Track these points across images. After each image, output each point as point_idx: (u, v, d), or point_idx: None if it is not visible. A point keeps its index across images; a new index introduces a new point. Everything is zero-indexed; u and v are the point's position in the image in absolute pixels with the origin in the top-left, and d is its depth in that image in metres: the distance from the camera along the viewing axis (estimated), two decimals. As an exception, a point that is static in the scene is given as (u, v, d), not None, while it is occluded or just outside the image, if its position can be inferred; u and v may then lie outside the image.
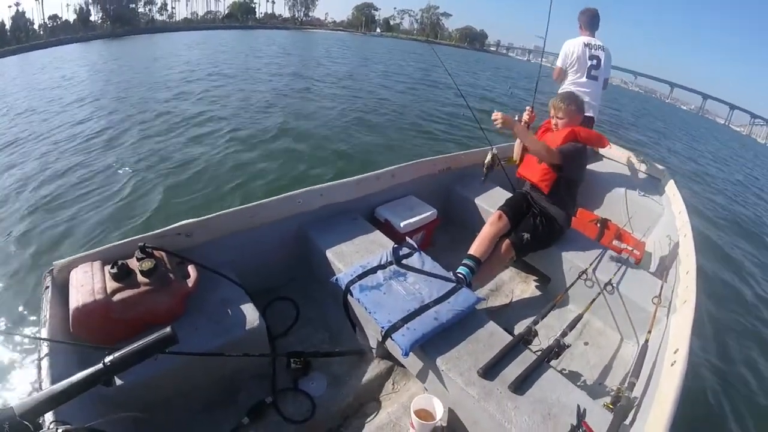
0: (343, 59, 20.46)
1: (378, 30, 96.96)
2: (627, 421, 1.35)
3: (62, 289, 1.43)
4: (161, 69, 13.75)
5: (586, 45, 3.42)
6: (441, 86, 14.26)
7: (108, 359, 0.74)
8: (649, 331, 1.81)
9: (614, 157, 3.79)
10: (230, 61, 16.13)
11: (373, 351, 1.84)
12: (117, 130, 6.52)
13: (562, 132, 2.33)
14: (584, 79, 3.48)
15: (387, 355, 1.81)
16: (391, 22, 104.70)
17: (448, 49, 65.17)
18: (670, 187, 3.27)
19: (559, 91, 3.62)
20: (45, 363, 1.18)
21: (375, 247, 2.06)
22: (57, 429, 0.68)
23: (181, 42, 24.84)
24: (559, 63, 3.56)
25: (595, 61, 3.46)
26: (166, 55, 18.71)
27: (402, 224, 2.32)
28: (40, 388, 1.09)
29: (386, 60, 22.99)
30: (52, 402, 0.69)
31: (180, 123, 6.94)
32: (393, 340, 1.52)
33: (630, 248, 2.61)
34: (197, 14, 71.59)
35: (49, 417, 0.85)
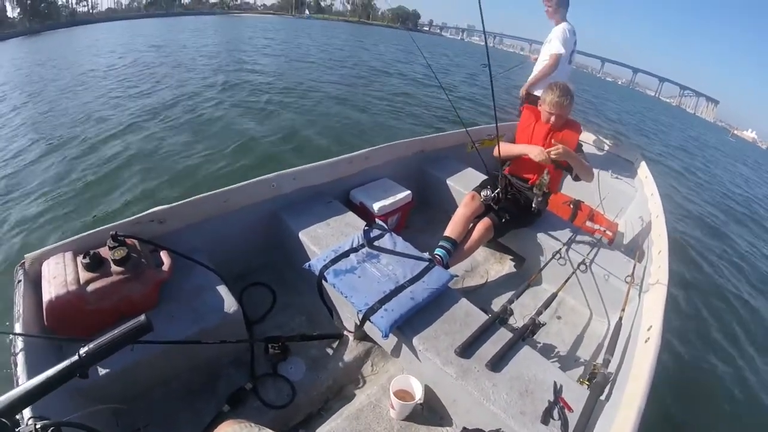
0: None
1: (307, 12, 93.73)
2: (603, 397, 1.39)
3: (35, 282, 1.38)
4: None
5: (573, 32, 3.46)
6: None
7: (83, 351, 0.72)
8: (623, 309, 1.86)
9: (586, 140, 3.86)
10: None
11: (351, 334, 1.84)
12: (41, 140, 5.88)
13: (571, 137, 2.27)
14: (565, 65, 3.53)
15: (365, 338, 1.82)
16: (322, 3, 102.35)
17: (381, 29, 64.12)
18: (642, 170, 3.35)
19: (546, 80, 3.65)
20: (20, 359, 1.14)
21: (350, 230, 2.05)
22: (35, 425, 0.66)
23: (96, 36, 21.97)
24: (561, 51, 3.42)
25: (575, 47, 3.52)
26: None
27: (377, 207, 2.32)
28: (17, 385, 1.06)
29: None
30: (29, 398, 0.68)
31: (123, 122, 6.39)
32: (372, 322, 1.52)
33: (603, 229, 2.68)
34: (122, 3, 66.55)
35: (27, 413, 0.82)
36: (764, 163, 24.70)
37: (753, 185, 13.09)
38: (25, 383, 0.68)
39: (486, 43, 1.91)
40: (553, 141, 2.16)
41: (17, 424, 0.66)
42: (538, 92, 3.47)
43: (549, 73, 3.44)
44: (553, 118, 2.23)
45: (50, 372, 0.70)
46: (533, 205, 2.24)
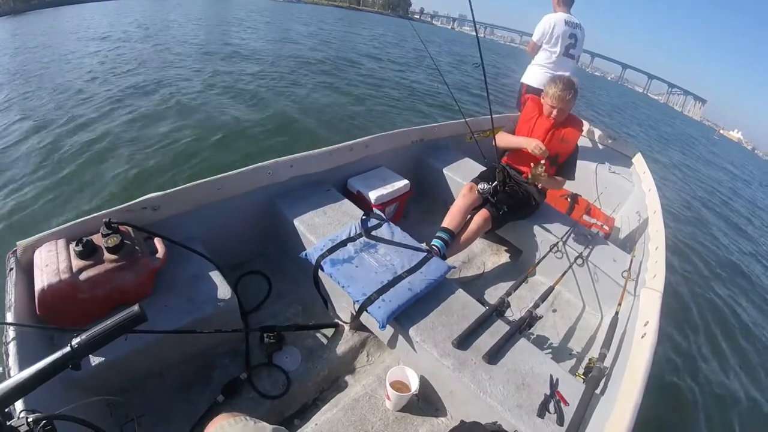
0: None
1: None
2: (598, 391, 1.39)
3: (27, 270, 1.35)
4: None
5: (567, 22, 3.42)
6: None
7: (75, 342, 0.70)
8: (619, 304, 1.87)
9: (584, 134, 3.85)
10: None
11: (347, 324, 1.83)
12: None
13: (572, 135, 2.27)
14: (561, 57, 3.49)
15: (361, 328, 1.81)
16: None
17: (372, 16, 64.63)
18: (640, 165, 3.36)
19: (538, 67, 3.64)
20: (12, 349, 1.12)
21: (347, 219, 2.02)
22: (27, 418, 0.65)
23: (84, 15, 20.54)
24: (535, 38, 3.53)
25: (573, 40, 3.47)
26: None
27: (375, 196, 2.29)
28: (8, 376, 1.04)
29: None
30: (20, 390, 0.66)
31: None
32: (369, 313, 1.51)
33: (599, 223, 2.68)
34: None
35: (18, 405, 0.81)
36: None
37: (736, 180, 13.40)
38: (16, 375, 0.67)
39: (478, 39, 1.93)
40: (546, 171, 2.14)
41: (9, 416, 0.65)
42: (539, 86, 3.46)
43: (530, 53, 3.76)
44: (555, 112, 2.22)
45: (41, 364, 0.68)
46: (534, 192, 2.25)
